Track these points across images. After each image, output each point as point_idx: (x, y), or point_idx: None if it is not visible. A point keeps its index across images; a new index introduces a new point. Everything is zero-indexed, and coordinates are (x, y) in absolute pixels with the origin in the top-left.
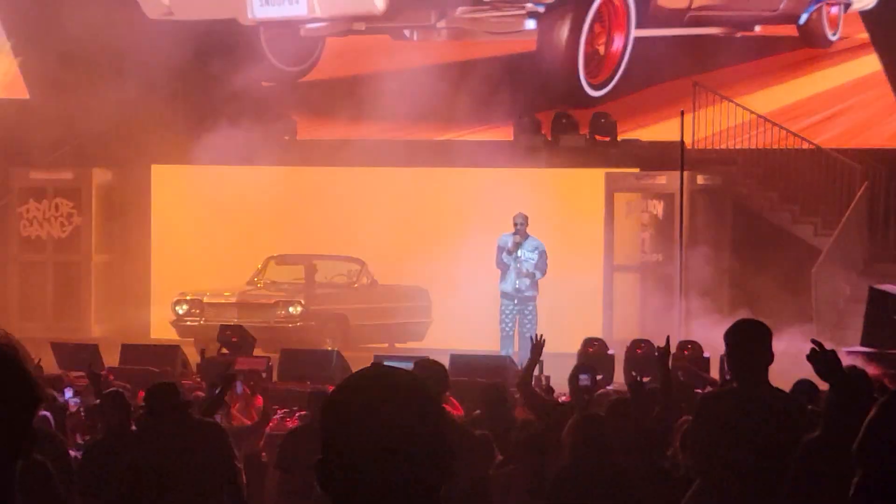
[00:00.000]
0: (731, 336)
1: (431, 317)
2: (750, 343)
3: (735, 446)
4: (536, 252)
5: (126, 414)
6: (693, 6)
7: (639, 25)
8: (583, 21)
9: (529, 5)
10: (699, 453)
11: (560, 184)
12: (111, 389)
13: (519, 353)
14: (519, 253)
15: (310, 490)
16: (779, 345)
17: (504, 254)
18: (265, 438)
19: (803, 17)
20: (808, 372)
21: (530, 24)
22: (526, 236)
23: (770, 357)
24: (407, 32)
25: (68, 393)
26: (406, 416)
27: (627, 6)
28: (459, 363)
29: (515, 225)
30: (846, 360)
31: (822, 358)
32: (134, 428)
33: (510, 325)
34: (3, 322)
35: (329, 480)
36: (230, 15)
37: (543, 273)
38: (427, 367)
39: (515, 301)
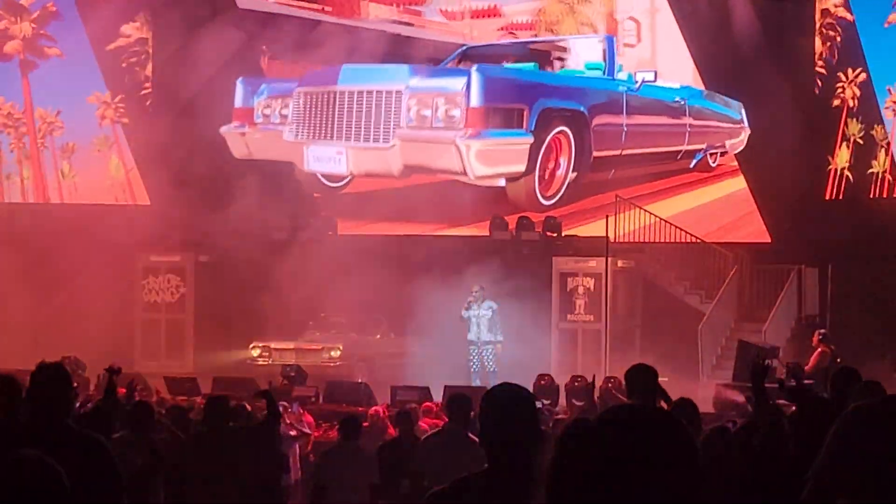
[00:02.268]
0: (630, 374)
1: (428, 359)
2: (642, 377)
3: None
4: (490, 310)
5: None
6: (618, 161)
7: (580, 175)
8: (537, 155)
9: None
10: None
11: (523, 266)
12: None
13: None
14: (478, 312)
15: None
16: (675, 379)
17: (464, 311)
18: (312, 444)
19: (693, 163)
20: (696, 398)
21: (501, 182)
22: (484, 300)
23: (655, 388)
24: None
25: None
26: (518, 405)
27: (570, 141)
28: (451, 391)
29: (473, 292)
30: (722, 392)
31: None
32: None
33: (476, 365)
34: (130, 361)
35: (484, 437)
36: (292, 160)
37: (497, 328)
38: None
39: (478, 346)
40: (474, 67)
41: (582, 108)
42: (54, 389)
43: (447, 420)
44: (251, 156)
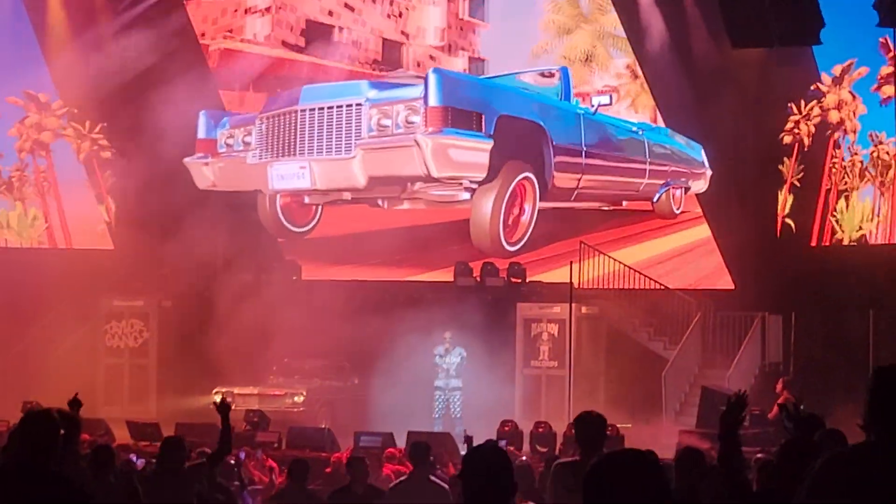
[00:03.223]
0: (578, 423)
1: (392, 404)
2: (590, 426)
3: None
4: (459, 356)
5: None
6: (579, 187)
7: (541, 199)
8: (503, 200)
9: (465, 182)
10: None
11: (488, 312)
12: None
13: (454, 431)
14: (448, 359)
15: None
16: (639, 425)
17: (437, 357)
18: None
19: (656, 197)
20: (659, 445)
21: (465, 195)
22: (454, 347)
23: (605, 436)
24: (380, 202)
25: (134, 457)
26: (499, 468)
27: (535, 187)
28: (414, 438)
29: (446, 339)
30: (685, 438)
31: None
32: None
33: (441, 410)
34: (92, 407)
35: (469, 496)
36: (257, 187)
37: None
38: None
39: (445, 392)
40: (431, 69)
41: (540, 122)
42: (43, 436)
43: (412, 467)
44: (215, 186)
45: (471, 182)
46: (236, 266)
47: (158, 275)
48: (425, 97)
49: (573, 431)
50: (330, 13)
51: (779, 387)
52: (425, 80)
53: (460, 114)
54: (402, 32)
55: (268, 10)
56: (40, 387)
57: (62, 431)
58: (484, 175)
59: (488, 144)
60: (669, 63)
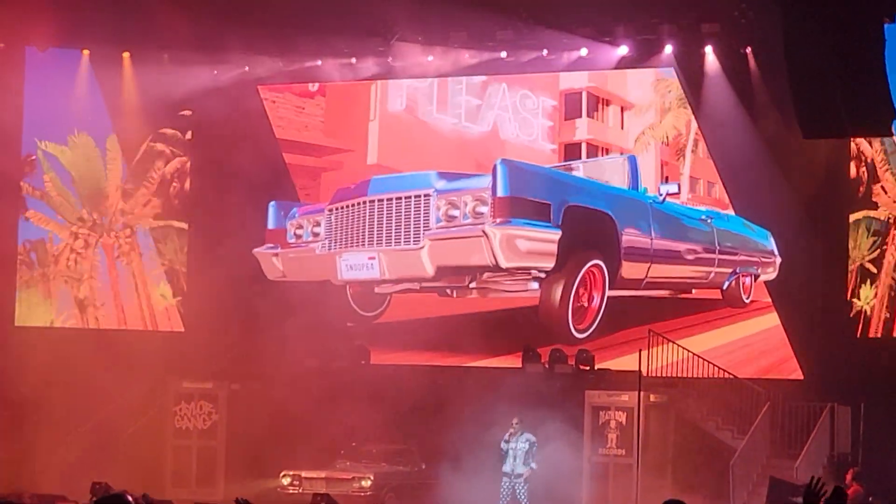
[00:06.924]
0: None
1: (459, 490)
2: None
3: None
4: (528, 443)
5: None
6: (647, 276)
7: (610, 288)
8: (572, 286)
9: (534, 272)
10: None
11: (556, 398)
12: None
13: None
14: (513, 444)
15: None
16: None
17: (503, 443)
18: None
19: (725, 284)
20: None
21: (534, 285)
22: (521, 432)
23: None
24: (448, 291)
25: None
26: None
27: (604, 275)
28: None
29: (513, 425)
30: None
31: None
32: None
33: (507, 496)
34: (160, 489)
35: None
36: (326, 277)
37: (532, 458)
38: None
39: (511, 479)
40: (499, 160)
41: (608, 211)
42: None
43: None
44: (285, 276)
45: (539, 272)
46: (305, 350)
47: (228, 358)
48: (493, 188)
49: None
50: None
51: (848, 478)
52: (493, 170)
53: (528, 204)
54: None
55: None
56: (109, 467)
57: None
58: (552, 265)
59: (556, 234)
60: (739, 149)
